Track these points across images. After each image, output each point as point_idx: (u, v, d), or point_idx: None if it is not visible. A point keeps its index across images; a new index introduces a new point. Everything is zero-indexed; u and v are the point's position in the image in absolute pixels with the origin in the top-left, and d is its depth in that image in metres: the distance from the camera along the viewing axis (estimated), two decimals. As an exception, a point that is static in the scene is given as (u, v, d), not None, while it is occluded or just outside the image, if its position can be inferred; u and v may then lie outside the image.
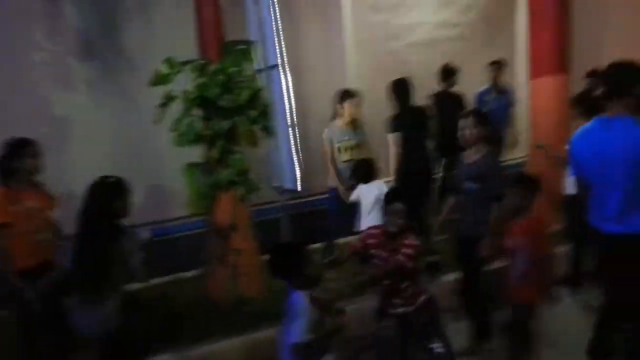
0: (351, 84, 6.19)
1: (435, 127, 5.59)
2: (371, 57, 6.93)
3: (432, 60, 6.64)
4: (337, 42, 6.76)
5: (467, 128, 3.89)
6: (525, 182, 3.55)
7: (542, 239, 3.46)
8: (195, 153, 4.52)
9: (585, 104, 4.36)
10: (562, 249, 4.90)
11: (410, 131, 5.26)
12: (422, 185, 5.34)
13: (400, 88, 5.34)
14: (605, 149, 2.92)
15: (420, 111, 5.45)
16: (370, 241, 3.59)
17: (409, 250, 3.42)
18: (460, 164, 4.06)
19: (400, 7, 7.20)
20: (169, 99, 4.25)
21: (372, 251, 3.53)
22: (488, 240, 3.68)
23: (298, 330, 2.62)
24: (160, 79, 4.21)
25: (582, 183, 3.21)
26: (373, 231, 3.66)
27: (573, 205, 4.48)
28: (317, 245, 5.42)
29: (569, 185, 4.57)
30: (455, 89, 6.35)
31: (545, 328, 3.64)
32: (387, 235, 3.52)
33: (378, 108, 5.74)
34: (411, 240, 3.46)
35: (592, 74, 5.41)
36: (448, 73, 6.32)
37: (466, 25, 7.52)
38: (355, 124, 5.47)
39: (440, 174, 6.22)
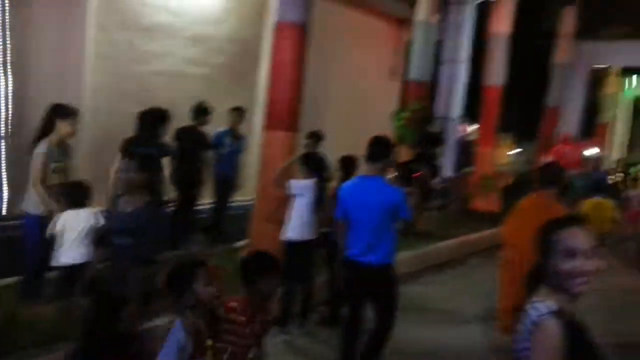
0: (86, 101, 5.65)
1: (175, 162, 5.49)
2: (112, 76, 6.50)
3: (176, 94, 6.57)
4: (77, 53, 6.14)
5: (125, 171, 3.54)
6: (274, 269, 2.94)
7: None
8: None
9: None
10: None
11: (145, 161, 5.00)
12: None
13: (150, 117, 5.07)
14: (364, 199, 3.91)
15: (161, 144, 5.28)
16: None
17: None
18: (115, 213, 3.59)
19: (150, 31, 6.97)
20: None
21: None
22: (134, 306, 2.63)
23: None
24: None
25: (344, 223, 4.06)
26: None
27: (293, 249, 4.95)
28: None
29: (291, 231, 5.03)
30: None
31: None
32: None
33: (112, 132, 5.34)
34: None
35: (312, 136, 6.16)
36: (202, 111, 6.35)
37: (214, 66, 7.70)
38: (64, 145, 4.57)
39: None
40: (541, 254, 1.79)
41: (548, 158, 11.32)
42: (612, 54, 15.00)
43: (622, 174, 14.89)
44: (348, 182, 4.33)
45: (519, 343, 1.76)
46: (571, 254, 1.70)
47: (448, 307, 6.21)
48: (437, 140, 8.24)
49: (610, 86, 19.45)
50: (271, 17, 6.41)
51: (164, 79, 7.07)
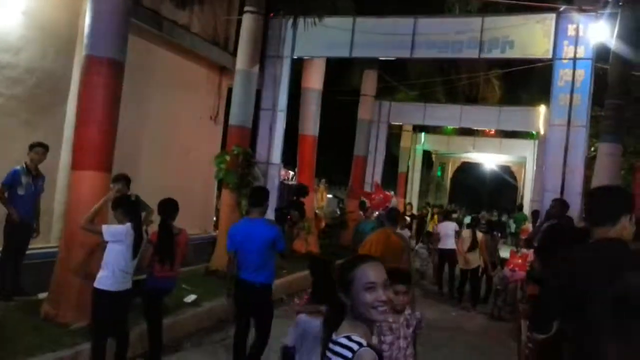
0: None
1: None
2: None
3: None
4: None
5: None
6: None
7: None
8: None
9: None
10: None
11: None
12: None
13: None
14: (251, 234, 4.89)
15: None
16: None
17: None
18: None
19: None
20: None
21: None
22: None
23: None
24: None
25: (235, 253, 4.94)
26: None
27: (107, 300, 4.40)
28: None
29: (106, 280, 4.47)
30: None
31: None
32: None
33: None
34: None
35: (119, 179, 5.69)
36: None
37: (11, 98, 6.73)
38: None
39: None
40: (341, 291, 1.87)
41: (364, 199, 12.22)
42: (404, 113, 17.11)
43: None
44: (236, 223, 5.30)
45: None
46: (370, 287, 1.83)
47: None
48: (303, 190, 10.47)
49: (405, 141, 22.12)
50: (82, 50, 5.85)
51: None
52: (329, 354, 1.80)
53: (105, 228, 4.61)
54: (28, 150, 6.05)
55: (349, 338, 1.78)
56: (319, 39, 9.20)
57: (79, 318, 5.13)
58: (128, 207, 4.75)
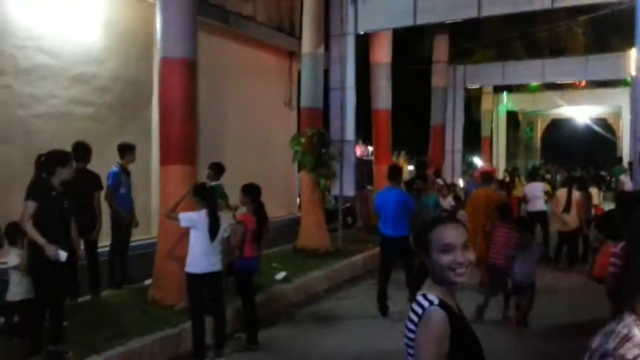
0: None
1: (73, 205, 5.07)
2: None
3: (62, 135, 6.19)
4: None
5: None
6: None
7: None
8: None
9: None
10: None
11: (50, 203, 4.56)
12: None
13: (49, 160, 4.59)
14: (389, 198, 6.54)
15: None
16: None
17: None
18: None
19: (27, 74, 6.57)
20: None
21: None
22: None
23: None
24: None
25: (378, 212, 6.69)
26: None
27: (196, 282, 4.78)
28: None
29: (192, 264, 4.85)
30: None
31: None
32: None
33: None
34: None
35: (212, 167, 6.06)
36: (84, 151, 5.96)
37: (101, 105, 7.37)
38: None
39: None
40: (421, 253, 1.85)
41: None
42: (481, 75, 16.31)
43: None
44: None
45: (408, 334, 1.80)
46: (446, 249, 1.79)
47: (363, 317, 6.28)
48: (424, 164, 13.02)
49: (486, 103, 21.20)
50: (157, 54, 6.25)
51: (46, 121, 6.64)
52: (409, 312, 1.82)
53: (181, 215, 4.95)
54: (120, 151, 6.57)
55: (424, 296, 1.80)
56: (381, 11, 9.05)
57: (181, 300, 5.56)
58: (203, 194, 5.04)
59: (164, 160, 6.08)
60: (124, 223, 6.51)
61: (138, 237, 7.01)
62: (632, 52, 13.07)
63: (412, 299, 1.86)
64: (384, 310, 6.31)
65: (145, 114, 7.88)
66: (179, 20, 5.94)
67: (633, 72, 12.86)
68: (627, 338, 1.37)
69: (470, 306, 6.40)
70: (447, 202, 9.74)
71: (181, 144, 6.02)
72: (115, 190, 6.44)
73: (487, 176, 8.31)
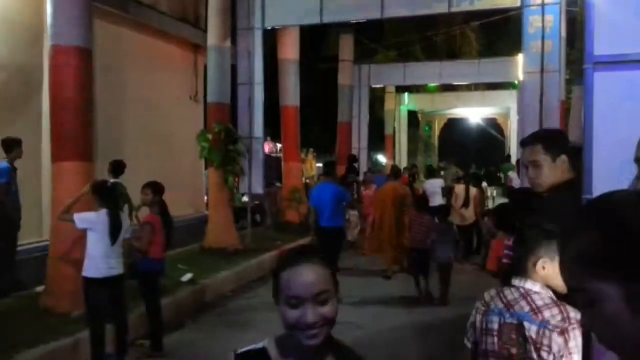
0: None
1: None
2: None
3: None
4: None
5: None
6: None
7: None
8: None
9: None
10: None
11: None
12: None
13: None
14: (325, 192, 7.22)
15: None
16: None
17: None
18: None
19: None
20: None
21: None
22: None
23: None
24: None
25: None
26: None
27: (94, 287, 4.47)
28: None
29: (89, 268, 4.52)
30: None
31: None
32: None
33: None
34: None
35: (112, 163, 5.73)
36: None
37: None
38: None
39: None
40: (274, 296, 1.37)
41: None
42: (384, 75, 16.92)
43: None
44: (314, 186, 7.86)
45: None
46: (293, 303, 1.29)
47: (271, 316, 6.23)
48: (354, 158, 12.99)
49: (389, 103, 22.04)
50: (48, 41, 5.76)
51: None
52: None
53: (76, 216, 4.63)
54: (6, 146, 6.00)
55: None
56: (288, 7, 9.05)
57: (77, 307, 5.19)
58: (102, 193, 4.74)
59: (57, 156, 5.64)
60: (13, 223, 5.96)
61: (28, 240, 6.43)
62: (519, 57, 14.28)
63: None
64: None
65: (34, 105, 7.23)
66: (71, 4, 5.53)
67: (520, 76, 14.06)
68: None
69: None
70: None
71: (75, 138, 5.63)
72: (8, 187, 5.88)
73: (397, 171, 9.47)
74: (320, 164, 20.21)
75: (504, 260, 3.12)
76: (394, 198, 8.27)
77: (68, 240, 5.33)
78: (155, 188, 5.16)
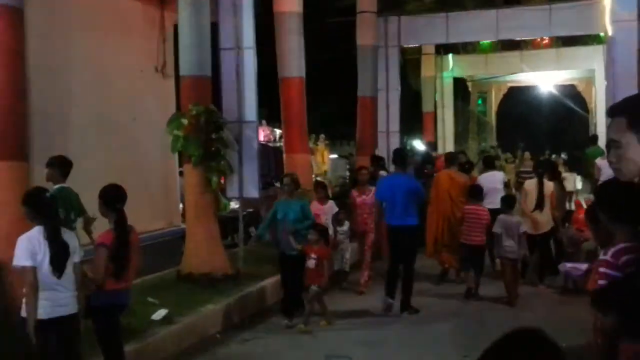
0: None
1: None
2: None
3: None
4: None
5: None
6: None
7: None
8: None
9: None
10: None
11: None
12: None
13: None
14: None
15: None
16: None
17: None
18: None
19: None
20: None
21: None
22: None
23: None
24: None
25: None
26: None
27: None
28: None
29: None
30: None
31: None
32: None
33: None
34: None
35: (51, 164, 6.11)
36: None
37: None
38: None
39: None
40: None
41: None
42: (420, 30, 16.76)
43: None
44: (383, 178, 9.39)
45: None
46: None
47: None
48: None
49: (427, 69, 21.98)
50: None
51: None
52: None
53: (16, 255, 4.58)
54: None
55: None
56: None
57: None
58: (38, 205, 4.77)
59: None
60: None
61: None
62: (606, 1, 14.16)
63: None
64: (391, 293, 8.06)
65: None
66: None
67: (608, 26, 13.94)
68: None
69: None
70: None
71: (2, 128, 5.71)
72: None
73: (451, 157, 10.75)
74: (335, 155, 20.24)
75: (600, 282, 3.07)
76: (450, 187, 9.59)
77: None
78: (110, 195, 5.21)
